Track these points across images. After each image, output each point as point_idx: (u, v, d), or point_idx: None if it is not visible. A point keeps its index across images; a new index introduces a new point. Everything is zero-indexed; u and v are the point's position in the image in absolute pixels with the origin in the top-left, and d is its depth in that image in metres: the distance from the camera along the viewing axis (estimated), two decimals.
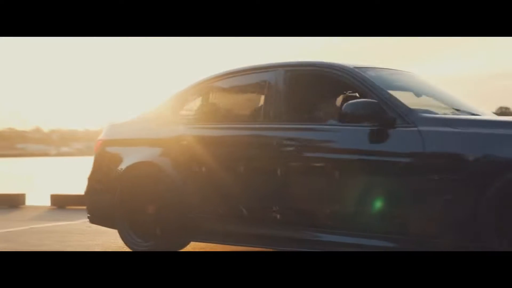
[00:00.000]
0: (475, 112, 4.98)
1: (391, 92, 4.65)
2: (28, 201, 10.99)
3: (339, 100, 5.05)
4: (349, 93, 5.15)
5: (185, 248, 5.55)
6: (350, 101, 4.48)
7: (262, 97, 5.13)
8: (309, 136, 4.77)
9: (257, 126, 5.03)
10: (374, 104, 4.42)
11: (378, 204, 4.40)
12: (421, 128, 4.26)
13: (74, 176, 21.46)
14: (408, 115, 4.36)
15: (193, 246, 5.82)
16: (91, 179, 5.90)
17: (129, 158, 5.58)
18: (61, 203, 10.44)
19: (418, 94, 5.11)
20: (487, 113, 5.16)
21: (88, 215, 5.91)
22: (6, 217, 9.05)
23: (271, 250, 4.99)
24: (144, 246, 5.40)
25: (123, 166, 5.58)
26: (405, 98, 4.88)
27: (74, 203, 10.18)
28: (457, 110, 4.91)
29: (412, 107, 4.46)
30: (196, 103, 5.56)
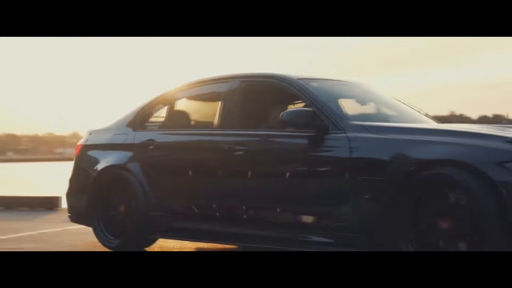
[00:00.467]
0: (414, 120, 5.38)
1: (334, 101, 5.08)
2: (64, 204, 11.35)
3: (290, 108, 5.48)
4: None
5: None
6: (287, 110, 4.91)
7: (220, 105, 5.58)
8: (256, 141, 5.20)
9: (213, 132, 5.49)
10: (309, 113, 4.83)
11: (314, 203, 4.80)
12: (349, 134, 4.66)
13: None
14: (339, 123, 4.76)
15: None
16: (71, 181, 6.42)
17: (103, 162, 6.07)
18: None
19: (362, 103, 5.52)
20: (427, 121, 5.53)
21: (69, 214, 6.42)
22: (42, 218, 9.38)
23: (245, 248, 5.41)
24: (115, 243, 5.88)
25: (97, 169, 6.08)
26: (349, 107, 5.32)
27: None
28: (395, 117, 5.33)
29: (344, 115, 4.86)
30: (163, 111, 6.03)
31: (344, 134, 4.68)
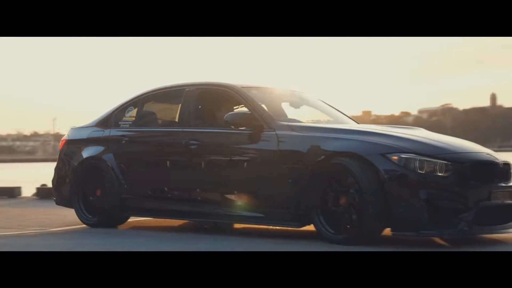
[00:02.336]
0: (336, 120, 6.66)
1: (269, 105, 6.36)
2: None
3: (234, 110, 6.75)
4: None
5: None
6: (230, 112, 6.18)
7: (179, 108, 6.86)
8: (207, 137, 6.46)
9: (173, 130, 6.76)
10: (247, 114, 6.11)
11: (251, 186, 6.07)
12: (278, 132, 5.93)
13: None
14: (271, 123, 6.03)
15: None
16: (56, 170, 7.64)
17: (83, 154, 7.31)
18: None
19: (296, 107, 6.83)
20: (347, 121, 6.82)
21: (54, 198, 7.65)
22: None
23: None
24: (92, 220, 7.11)
25: (78, 160, 7.31)
26: (285, 109, 6.61)
27: None
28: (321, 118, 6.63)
29: (275, 117, 6.12)
30: (133, 112, 7.27)
31: (274, 132, 5.95)
